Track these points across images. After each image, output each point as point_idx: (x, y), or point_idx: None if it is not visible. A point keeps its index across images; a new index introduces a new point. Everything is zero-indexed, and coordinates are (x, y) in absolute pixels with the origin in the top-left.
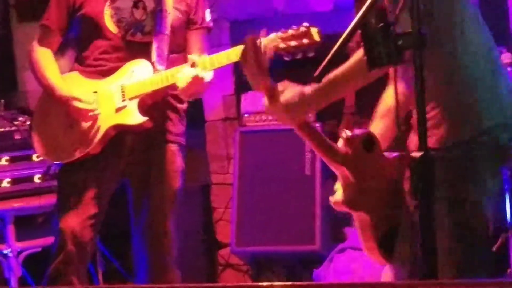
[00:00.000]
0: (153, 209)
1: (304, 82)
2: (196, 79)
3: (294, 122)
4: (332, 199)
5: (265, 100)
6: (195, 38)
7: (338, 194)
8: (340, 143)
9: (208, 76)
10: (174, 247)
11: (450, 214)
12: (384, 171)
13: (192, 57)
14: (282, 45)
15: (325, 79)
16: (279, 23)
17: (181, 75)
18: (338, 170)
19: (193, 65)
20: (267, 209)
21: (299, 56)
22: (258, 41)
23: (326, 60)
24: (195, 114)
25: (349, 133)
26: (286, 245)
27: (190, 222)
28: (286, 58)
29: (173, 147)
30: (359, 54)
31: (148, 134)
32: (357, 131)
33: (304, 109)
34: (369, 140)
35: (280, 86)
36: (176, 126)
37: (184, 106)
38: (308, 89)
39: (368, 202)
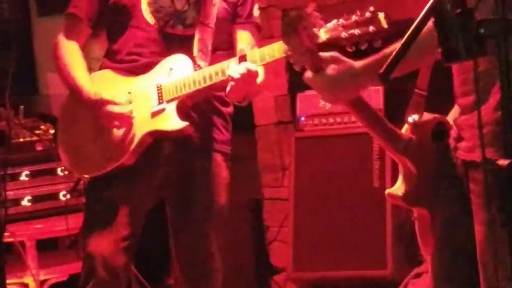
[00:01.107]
0: (195, 229)
1: None
2: (248, 75)
3: (340, 101)
4: (388, 191)
5: (308, 72)
6: (240, 34)
7: (397, 186)
8: (405, 129)
9: (260, 74)
10: (220, 273)
11: None
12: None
13: (242, 48)
14: (344, 34)
15: (380, 54)
16: (337, 10)
17: (228, 72)
18: (400, 160)
19: (242, 58)
20: (329, 228)
21: (364, 47)
22: (304, 12)
23: (394, 55)
24: (243, 117)
25: (416, 117)
26: (352, 270)
27: (239, 243)
28: (348, 49)
29: (218, 157)
30: (425, 29)
31: (189, 142)
32: (427, 117)
33: (353, 85)
34: (440, 128)
35: (328, 57)
36: (221, 133)
37: (230, 109)
38: (359, 63)
39: (428, 197)
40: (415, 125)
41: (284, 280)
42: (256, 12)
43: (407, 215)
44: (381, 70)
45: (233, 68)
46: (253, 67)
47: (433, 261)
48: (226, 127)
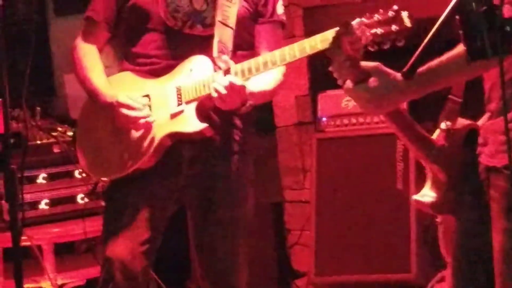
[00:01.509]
0: (218, 231)
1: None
2: (232, 89)
3: (381, 112)
4: (416, 197)
5: (348, 83)
6: (262, 33)
7: (424, 192)
8: (437, 135)
9: (254, 84)
10: (244, 280)
11: None
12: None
13: (223, 59)
14: (367, 33)
15: (425, 67)
16: (361, 9)
17: (214, 85)
18: (431, 167)
19: (227, 71)
20: (352, 231)
21: (386, 46)
22: (351, 27)
23: (418, 53)
24: (263, 118)
25: (450, 124)
26: (375, 274)
27: (260, 247)
28: (370, 49)
29: (240, 159)
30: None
31: (210, 145)
32: (461, 123)
33: (395, 98)
34: (472, 136)
35: (370, 68)
36: (242, 134)
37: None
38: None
39: (455, 204)
40: (448, 132)
41: (306, 284)
42: (280, 10)
43: (431, 218)
44: (405, 69)
45: (219, 81)
46: (238, 81)
47: (452, 268)
48: (248, 127)
